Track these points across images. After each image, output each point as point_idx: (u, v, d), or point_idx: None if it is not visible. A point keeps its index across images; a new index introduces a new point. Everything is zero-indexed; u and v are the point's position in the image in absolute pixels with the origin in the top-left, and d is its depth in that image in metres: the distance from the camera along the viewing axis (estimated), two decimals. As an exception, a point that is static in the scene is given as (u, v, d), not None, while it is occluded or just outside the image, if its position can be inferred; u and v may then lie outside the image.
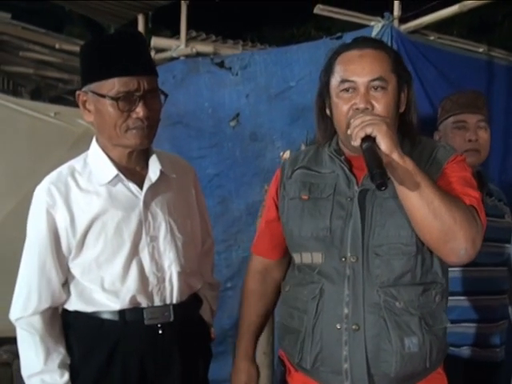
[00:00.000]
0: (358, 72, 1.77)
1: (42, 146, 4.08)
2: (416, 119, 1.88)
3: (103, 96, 1.84)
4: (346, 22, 3.68)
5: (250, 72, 3.59)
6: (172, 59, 4.20)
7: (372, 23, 3.23)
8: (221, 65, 3.69)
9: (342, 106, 1.79)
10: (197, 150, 3.74)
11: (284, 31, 8.98)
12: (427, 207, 1.64)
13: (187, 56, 4.12)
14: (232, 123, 3.67)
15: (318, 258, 1.84)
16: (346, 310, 1.77)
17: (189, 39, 4.27)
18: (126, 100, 1.84)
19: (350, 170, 1.84)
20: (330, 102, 1.85)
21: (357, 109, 1.75)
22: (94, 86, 1.87)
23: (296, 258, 1.92)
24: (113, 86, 1.83)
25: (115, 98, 1.83)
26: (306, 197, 1.88)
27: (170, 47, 4.22)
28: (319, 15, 3.60)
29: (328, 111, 1.88)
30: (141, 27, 4.47)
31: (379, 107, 1.75)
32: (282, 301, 2.00)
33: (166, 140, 3.77)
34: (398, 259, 1.77)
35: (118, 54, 1.85)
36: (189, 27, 4.29)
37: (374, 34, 3.10)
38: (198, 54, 4.09)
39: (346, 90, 1.79)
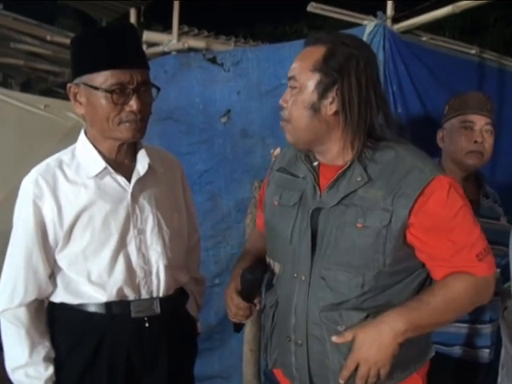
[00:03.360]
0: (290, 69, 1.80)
1: (31, 138, 4.05)
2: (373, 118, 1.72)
3: (96, 88, 1.83)
4: (338, 21, 3.67)
5: (241, 68, 3.58)
6: (164, 54, 4.17)
7: (365, 22, 3.22)
8: (213, 60, 3.68)
9: None
10: (187, 145, 3.73)
11: (276, 29, 8.98)
12: (445, 320, 1.77)
13: (179, 51, 4.10)
14: (223, 119, 3.65)
15: (277, 268, 1.86)
16: (293, 324, 1.80)
17: (181, 34, 4.24)
18: (119, 93, 1.84)
19: (318, 178, 1.78)
20: None
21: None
22: (86, 78, 1.86)
23: (268, 262, 1.94)
24: (106, 78, 1.82)
25: (109, 91, 1.82)
26: (276, 203, 1.87)
27: (162, 42, 4.20)
28: (312, 13, 3.59)
29: None
30: (133, 21, 4.44)
31: (288, 106, 1.78)
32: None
33: (155, 135, 3.75)
34: (343, 284, 1.71)
35: (111, 47, 1.84)
36: (181, 22, 4.26)
37: (366, 33, 3.09)
38: (190, 49, 4.07)
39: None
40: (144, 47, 4.22)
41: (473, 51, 3.64)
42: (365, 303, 1.71)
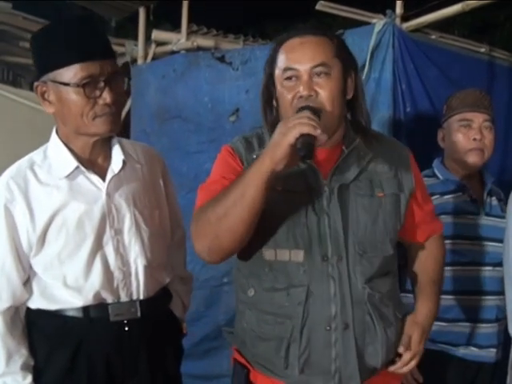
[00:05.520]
0: (299, 59, 1.74)
1: (40, 137, 4.03)
2: (366, 105, 1.86)
3: (67, 84, 1.77)
4: (347, 20, 3.67)
5: (250, 67, 3.57)
6: (172, 53, 4.18)
7: (374, 21, 3.21)
8: (221, 59, 3.67)
9: (286, 95, 1.76)
10: (195, 144, 3.72)
11: (285, 27, 8.97)
12: None
13: (188, 50, 4.10)
14: (231, 118, 3.65)
15: (297, 255, 1.76)
16: (334, 310, 1.74)
17: (190, 33, 4.24)
18: (91, 86, 1.78)
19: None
20: (276, 93, 1.81)
21: (300, 97, 1.72)
22: (53, 74, 1.79)
23: (268, 254, 1.81)
24: (75, 72, 1.76)
25: (80, 85, 1.76)
26: (279, 188, 1.74)
27: (171, 40, 4.20)
28: (321, 12, 3.58)
29: (275, 102, 1.84)
30: (142, 20, 4.44)
31: (323, 94, 1.72)
32: (247, 305, 1.87)
33: (164, 134, 3.76)
34: (376, 253, 1.80)
35: (75, 39, 1.78)
36: (190, 21, 4.27)
37: (375, 31, 3.08)
38: (199, 48, 4.07)
39: (290, 78, 1.75)
40: (153, 46, 4.23)
41: (482, 50, 3.62)
42: (391, 267, 1.87)
